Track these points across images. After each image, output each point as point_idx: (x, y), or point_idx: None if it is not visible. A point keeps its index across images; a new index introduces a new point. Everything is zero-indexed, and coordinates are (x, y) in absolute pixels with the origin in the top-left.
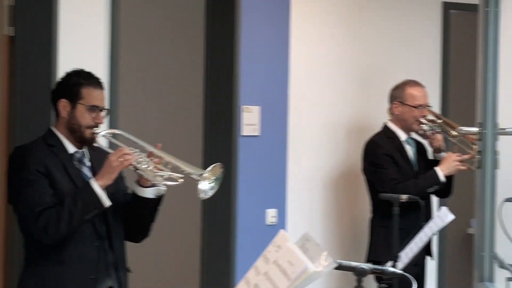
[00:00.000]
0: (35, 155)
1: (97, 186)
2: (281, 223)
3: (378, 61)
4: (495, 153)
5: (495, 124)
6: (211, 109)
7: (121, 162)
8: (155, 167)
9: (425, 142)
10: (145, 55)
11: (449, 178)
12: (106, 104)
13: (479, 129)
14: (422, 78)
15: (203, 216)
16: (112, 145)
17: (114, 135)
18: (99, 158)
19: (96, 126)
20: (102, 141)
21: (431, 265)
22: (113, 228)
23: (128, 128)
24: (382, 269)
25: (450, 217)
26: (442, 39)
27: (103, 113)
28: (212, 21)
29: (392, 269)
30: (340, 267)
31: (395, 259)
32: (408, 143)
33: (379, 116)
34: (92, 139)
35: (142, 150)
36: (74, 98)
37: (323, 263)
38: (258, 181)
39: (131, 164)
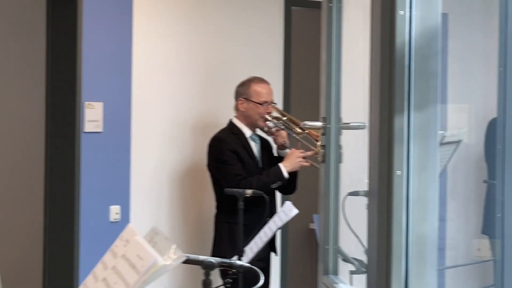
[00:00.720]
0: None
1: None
2: (124, 220)
3: (222, 58)
4: (339, 147)
5: (338, 119)
6: (53, 105)
7: None
8: None
9: (269, 138)
10: None
11: (293, 174)
12: None
13: (323, 124)
14: (265, 75)
15: (46, 213)
16: None
17: None
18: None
19: None
20: None
21: (275, 260)
22: None
23: None
24: (230, 262)
25: (294, 211)
26: (284, 36)
27: None
28: (53, 17)
29: (240, 263)
30: (188, 261)
31: (240, 254)
32: (253, 140)
33: (225, 113)
34: None
35: None
36: None
37: (172, 257)
38: (101, 178)
39: None
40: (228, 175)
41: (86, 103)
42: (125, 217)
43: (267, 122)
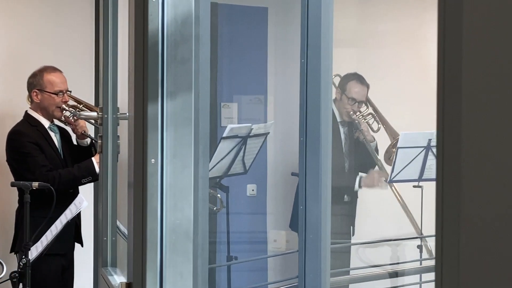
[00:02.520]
0: None
1: None
2: None
3: (20, 48)
4: (116, 137)
5: (116, 109)
6: None
7: None
8: None
9: (68, 128)
10: None
11: None
12: None
13: (99, 114)
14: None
15: None
16: None
17: None
18: None
19: None
20: None
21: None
22: None
23: None
24: None
25: (85, 203)
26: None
27: None
28: None
29: None
30: None
31: (26, 248)
32: (52, 130)
33: (21, 104)
34: None
35: None
36: None
37: None
38: None
39: None
40: (33, 167)
41: None
42: None
43: (64, 112)
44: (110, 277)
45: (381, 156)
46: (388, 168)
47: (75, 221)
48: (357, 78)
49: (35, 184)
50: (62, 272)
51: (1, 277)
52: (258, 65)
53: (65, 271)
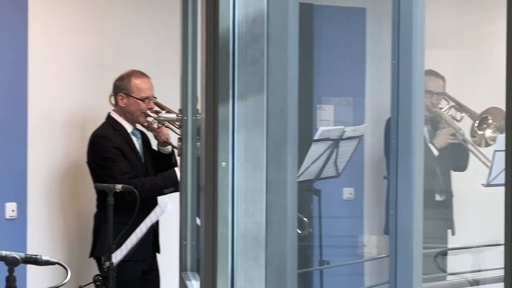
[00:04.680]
0: None
1: None
2: (21, 217)
3: (108, 52)
4: (196, 140)
5: (195, 111)
6: None
7: None
8: None
9: (149, 133)
10: None
11: None
12: None
13: (178, 116)
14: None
15: None
16: None
17: None
18: None
19: None
20: None
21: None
22: None
23: None
24: (35, 258)
25: (169, 206)
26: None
27: None
28: None
29: (46, 258)
30: None
31: (110, 251)
32: (135, 135)
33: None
34: None
35: None
36: None
37: None
38: None
39: None
40: (116, 173)
41: None
42: (22, 215)
43: (148, 119)
44: (188, 282)
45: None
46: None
47: (154, 228)
48: (431, 72)
49: (118, 187)
50: (143, 275)
51: (66, 282)
52: (356, 66)
53: (147, 275)
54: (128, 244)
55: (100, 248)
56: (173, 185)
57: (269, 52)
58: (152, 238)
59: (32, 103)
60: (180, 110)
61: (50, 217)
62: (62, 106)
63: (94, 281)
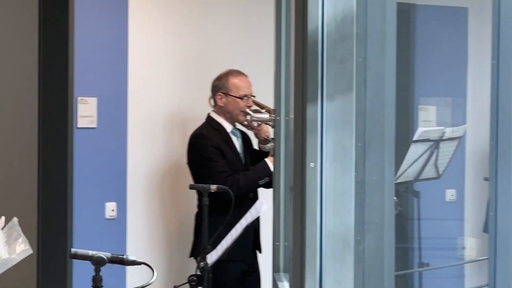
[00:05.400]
0: None
1: None
2: (121, 217)
3: (208, 52)
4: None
5: (288, 111)
6: (45, 101)
7: None
8: None
9: (249, 132)
10: None
11: None
12: None
13: (271, 116)
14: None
15: (39, 211)
16: None
17: None
18: None
19: None
20: None
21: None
22: None
23: None
24: (121, 258)
25: (264, 207)
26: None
27: None
28: (45, 11)
29: (132, 258)
30: (76, 256)
31: (205, 251)
32: (234, 134)
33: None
34: None
35: None
36: None
37: (17, 250)
38: (96, 174)
39: None
40: (213, 172)
41: (79, 98)
42: (121, 214)
43: (247, 117)
44: (279, 283)
45: None
46: None
47: (255, 227)
48: None
49: (213, 187)
50: (243, 276)
51: (151, 282)
52: (458, 66)
53: (247, 275)
54: (223, 245)
55: (198, 248)
56: (267, 175)
57: (366, 52)
58: (252, 237)
59: (131, 104)
60: (273, 110)
61: (149, 216)
62: (162, 107)
63: (189, 281)
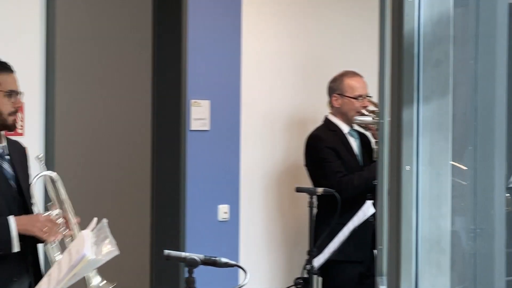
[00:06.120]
0: None
1: (14, 228)
2: (234, 219)
3: (318, 53)
4: None
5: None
6: (159, 103)
7: (46, 234)
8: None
9: (368, 133)
10: (90, 48)
11: None
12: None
13: (374, 119)
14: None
15: (152, 212)
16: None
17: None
18: (15, 151)
19: (17, 111)
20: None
21: None
22: None
23: (74, 122)
24: (214, 259)
25: (371, 210)
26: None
27: (20, 97)
28: (159, 13)
29: (225, 260)
30: (170, 258)
31: (312, 254)
32: (352, 135)
33: (322, 109)
34: (14, 125)
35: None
36: None
37: (104, 251)
38: (209, 177)
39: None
40: (328, 173)
41: (192, 101)
42: (234, 216)
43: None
44: (381, 287)
45: None
46: None
47: (373, 227)
48: None
49: (319, 190)
50: (361, 279)
51: (244, 284)
52: None
53: (365, 278)
54: (330, 248)
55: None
56: None
57: (477, 53)
58: (370, 238)
59: (245, 106)
60: (377, 113)
61: (262, 219)
62: (276, 109)
63: (295, 284)
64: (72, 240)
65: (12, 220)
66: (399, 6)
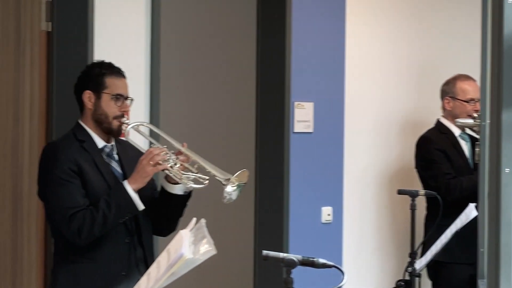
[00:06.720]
0: (67, 152)
1: (131, 190)
2: (337, 221)
3: (432, 57)
4: None
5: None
6: (263, 105)
7: (154, 166)
8: (181, 165)
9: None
10: (194, 50)
11: None
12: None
13: (475, 121)
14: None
15: (256, 214)
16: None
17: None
18: (125, 151)
19: (123, 115)
20: (129, 135)
21: None
22: (142, 224)
23: (178, 124)
24: (312, 260)
25: (474, 213)
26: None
27: (128, 102)
28: (264, 15)
29: (323, 261)
30: (268, 258)
31: (413, 256)
32: (463, 138)
33: (434, 112)
34: (119, 130)
35: (170, 147)
36: (98, 88)
37: (201, 251)
38: (312, 179)
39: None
40: (437, 174)
41: (296, 103)
42: (337, 219)
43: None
44: None
45: None
46: None
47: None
48: None
49: (421, 192)
50: (471, 282)
51: (341, 285)
52: None
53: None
54: (432, 250)
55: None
56: None
57: None
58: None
59: (348, 109)
60: (478, 115)
61: (367, 221)
62: (381, 112)
63: (397, 286)
64: (190, 164)
65: (125, 183)
66: (499, 8)
